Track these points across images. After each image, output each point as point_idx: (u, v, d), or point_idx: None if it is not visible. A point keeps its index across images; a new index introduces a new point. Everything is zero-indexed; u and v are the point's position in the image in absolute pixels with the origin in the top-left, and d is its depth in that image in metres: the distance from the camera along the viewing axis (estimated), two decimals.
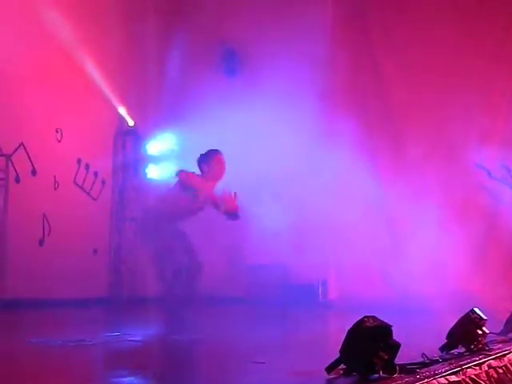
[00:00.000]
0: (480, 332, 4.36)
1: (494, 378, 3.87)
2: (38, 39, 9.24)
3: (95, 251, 10.30)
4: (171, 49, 11.42)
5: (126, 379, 3.59)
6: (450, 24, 10.53)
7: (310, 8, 11.14)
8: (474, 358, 3.97)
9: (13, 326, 7.02)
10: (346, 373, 3.41)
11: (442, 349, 4.34)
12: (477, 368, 3.78)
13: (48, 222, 9.54)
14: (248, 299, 10.88)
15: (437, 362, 3.75)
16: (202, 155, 7.06)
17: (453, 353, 4.30)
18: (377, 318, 3.44)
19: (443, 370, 3.55)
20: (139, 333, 5.87)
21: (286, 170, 10.50)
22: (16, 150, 9.14)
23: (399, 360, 3.51)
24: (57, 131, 9.71)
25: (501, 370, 4.02)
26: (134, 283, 10.59)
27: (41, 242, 9.45)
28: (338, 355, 3.42)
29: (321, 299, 10.65)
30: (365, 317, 3.42)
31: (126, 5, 10.86)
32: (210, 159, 6.97)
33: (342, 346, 3.41)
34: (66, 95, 9.75)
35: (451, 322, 4.50)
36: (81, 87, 9.97)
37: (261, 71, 11.06)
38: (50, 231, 9.54)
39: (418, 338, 5.59)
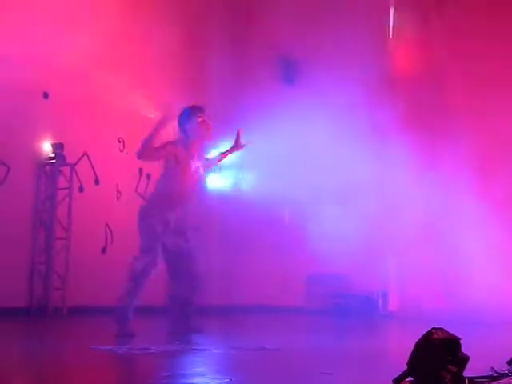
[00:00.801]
0: None
1: None
2: (102, 53, 9.40)
3: None
4: (230, 58, 11.50)
5: None
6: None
7: (371, 19, 11.11)
8: None
9: (78, 333, 7.15)
10: None
11: (509, 362, 4.27)
12: None
13: (110, 231, 9.68)
14: (308, 309, 10.88)
15: (506, 375, 3.69)
16: (180, 115, 6.54)
17: None
18: (445, 330, 3.40)
19: None
20: (206, 341, 5.91)
21: (348, 181, 10.47)
22: (80, 159, 9.31)
23: (467, 373, 3.47)
24: (119, 141, 9.86)
25: None
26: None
27: (103, 251, 9.59)
28: (404, 367, 3.40)
29: (381, 310, 10.57)
30: (432, 328, 3.39)
31: (187, 15, 10.96)
32: (190, 118, 6.47)
33: (410, 358, 3.38)
34: (129, 105, 9.87)
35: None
36: (143, 97, 10.08)
37: (319, 81, 11.06)
38: (112, 240, 9.68)
39: (483, 351, 5.51)
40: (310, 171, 10.65)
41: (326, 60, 11.22)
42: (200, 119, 6.41)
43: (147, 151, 6.44)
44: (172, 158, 6.34)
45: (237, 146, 6.66)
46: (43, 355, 4.92)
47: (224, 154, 6.75)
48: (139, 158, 6.68)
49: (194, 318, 6.48)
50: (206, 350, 5.27)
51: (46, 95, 8.87)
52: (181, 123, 6.48)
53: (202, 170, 6.59)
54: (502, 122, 9.93)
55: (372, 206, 10.30)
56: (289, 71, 11.87)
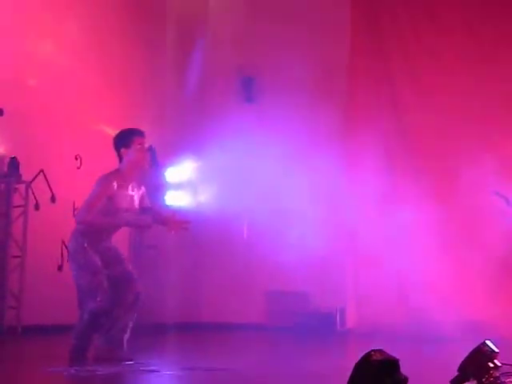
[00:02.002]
0: (492, 365, 4.31)
1: None
2: (58, 69, 9.38)
3: None
4: (189, 76, 11.54)
5: None
6: (469, 49, 10.53)
7: (328, 38, 11.20)
8: None
9: (30, 354, 7.08)
10: None
11: (453, 382, 4.30)
12: None
13: (67, 249, 9.59)
14: (266, 326, 10.88)
15: None
16: (118, 137, 6.03)
17: None
18: (384, 351, 3.43)
19: None
20: (157, 361, 5.88)
21: (305, 198, 10.53)
22: (36, 176, 9.24)
23: None
24: (76, 158, 9.80)
25: None
26: (152, 310, 10.58)
27: (59, 268, 9.51)
28: None
29: (339, 328, 10.61)
30: (371, 350, 3.41)
31: (143, 34, 10.96)
32: (129, 142, 5.91)
33: (349, 379, 3.40)
34: (86, 123, 9.85)
35: (466, 352, 4.47)
36: (100, 114, 10.08)
37: (278, 99, 11.13)
38: (68, 257, 9.58)
39: (432, 368, 5.57)
40: (270, 188, 10.69)
41: (285, 77, 11.31)
42: (139, 145, 5.95)
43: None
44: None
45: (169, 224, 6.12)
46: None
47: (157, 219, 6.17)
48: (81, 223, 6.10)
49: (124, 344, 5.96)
50: (154, 371, 5.24)
51: (1, 111, 8.78)
52: (117, 147, 6.02)
53: (137, 199, 6.10)
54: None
55: (330, 222, 10.36)
56: (249, 89, 11.90)
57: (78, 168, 9.83)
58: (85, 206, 5.97)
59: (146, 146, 6.06)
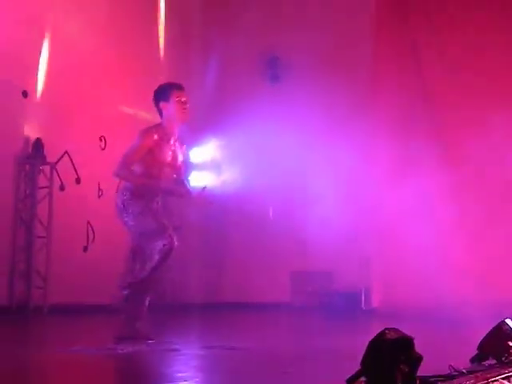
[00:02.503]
0: (511, 344, 4.29)
1: None
2: (83, 52, 9.41)
3: None
4: (215, 55, 11.52)
5: None
6: (496, 22, 10.34)
7: (352, 15, 11.11)
8: (502, 371, 3.90)
9: (55, 333, 7.16)
10: None
11: (472, 360, 4.28)
12: (504, 381, 3.71)
13: (92, 229, 9.68)
14: (291, 305, 10.90)
15: (462, 374, 3.69)
16: (156, 92, 5.98)
17: (483, 364, 4.23)
18: (398, 330, 3.40)
19: (468, 382, 3.49)
20: (179, 341, 5.92)
21: (329, 178, 10.50)
22: (60, 158, 9.30)
23: (429, 372, 3.48)
24: (101, 139, 9.85)
25: None
26: (176, 290, 10.65)
27: (85, 249, 9.59)
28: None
29: (364, 307, 10.59)
30: (386, 329, 3.39)
31: (168, 14, 10.95)
32: (168, 96, 5.88)
33: (363, 358, 3.39)
34: (111, 103, 9.88)
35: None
36: (124, 96, 10.11)
37: (303, 78, 11.09)
38: (94, 238, 9.68)
39: (452, 347, 5.54)
40: (294, 167, 10.68)
41: (310, 56, 11.25)
42: (177, 98, 5.91)
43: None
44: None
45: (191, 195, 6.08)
46: (20, 355, 4.94)
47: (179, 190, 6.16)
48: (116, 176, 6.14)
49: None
50: (175, 350, 5.27)
51: (25, 94, 8.85)
52: (156, 101, 5.97)
53: (180, 155, 6.05)
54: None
55: (354, 204, 10.33)
56: (274, 68, 11.86)
57: (103, 149, 9.89)
58: (122, 159, 5.90)
59: (185, 99, 5.93)
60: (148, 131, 5.89)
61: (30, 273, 8.84)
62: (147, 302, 5.80)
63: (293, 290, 11.22)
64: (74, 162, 9.47)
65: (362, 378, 3.40)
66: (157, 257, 5.68)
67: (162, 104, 5.90)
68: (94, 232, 9.67)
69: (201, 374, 4.41)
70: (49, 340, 6.35)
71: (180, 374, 4.21)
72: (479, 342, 4.38)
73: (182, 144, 6.13)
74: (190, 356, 5.14)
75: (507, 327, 4.36)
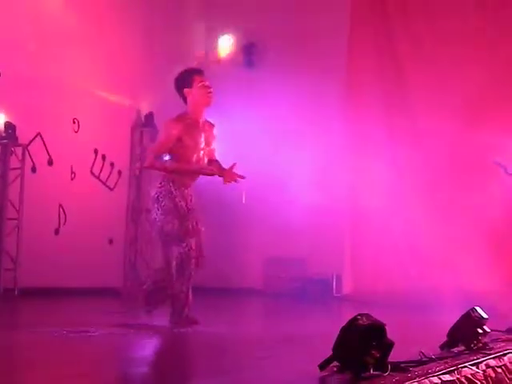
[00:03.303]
0: (480, 331, 4.34)
1: (491, 377, 3.86)
2: (56, 31, 9.33)
3: (111, 241, 10.36)
4: (190, 39, 11.47)
5: (125, 371, 3.61)
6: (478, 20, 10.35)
7: (331, 4, 11.10)
8: (471, 357, 3.95)
9: (25, 315, 7.12)
10: (339, 370, 3.42)
11: (442, 347, 4.34)
12: (473, 367, 3.76)
13: (64, 212, 9.62)
14: (263, 292, 10.93)
15: (432, 360, 3.74)
16: (178, 79, 5.99)
17: (453, 351, 4.28)
18: (370, 316, 3.44)
19: (437, 368, 3.54)
20: (148, 325, 5.92)
21: (303, 164, 10.53)
22: (33, 139, 9.22)
23: (400, 357, 3.52)
24: (74, 122, 9.77)
25: (499, 370, 4.00)
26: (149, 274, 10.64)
27: (56, 232, 9.54)
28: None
29: (335, 293, 10.65)
30: (358, 315, 3.43)
31: None
32: (191, 82, 5.90)
33: (335, 343, 3.42)
34: (84, 85, 9.81)
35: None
36: (98, 78, 10.03)
37: (280, 64, 11.09)
38: (65, 221, 9.62)
39: (422, 334, 5.59)
40: (269, 153, 10.69)
41: (286, 43, 11.24)
42: (200, 83, 5.92)
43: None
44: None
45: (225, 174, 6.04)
46: None
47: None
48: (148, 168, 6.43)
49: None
50: (147, 333, 5.27)
51: None
52: (179, 88, 5.98)
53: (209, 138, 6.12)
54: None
55: (326, 189, 10.37)
56: (250, 55, 11.83)
57: (76, 132, 9.81)
58: (152, 151, 6.01)
59: (208, 83, 5.97)
60: (173, 121, 5.91)
61: (1, 255, 8.76)
62: (189, 291, 5.85)
63: (265, 276, 11.24)
64: (46, 143, 9.38)
65: (335, 363, 3.44)
66: (174, 263, 5.80)
67: (185, 90, 5.92)
68: (65, 214, 9.61)
69: (171, 358, 4.40)
70: (20, 322, 6.31)
71: (149, 358, 4.21)
72: (449, 328, 4.43)
73: (210, 125, 6.17)
74: (161, 339, 5.13)
75: (476, 314, 4.42)
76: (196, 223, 5.96)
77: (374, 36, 11.02)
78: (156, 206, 5.87)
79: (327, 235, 10.54)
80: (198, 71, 6.06)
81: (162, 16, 11.03)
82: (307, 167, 10.49)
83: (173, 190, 5.85)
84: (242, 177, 6.04)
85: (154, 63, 10.77)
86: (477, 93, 9.99)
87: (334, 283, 10.67)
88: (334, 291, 10.65)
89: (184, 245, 5.76)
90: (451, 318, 4.59)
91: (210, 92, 5.96)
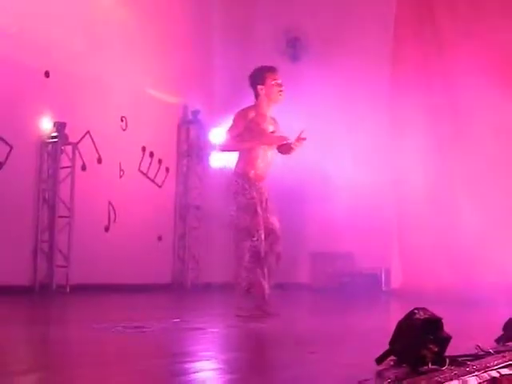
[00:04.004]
0: None
1: None
2: (103, 29, 9.43)
3: (159, 238, 10.46)
4: (236, 36, 11.49)
5: (181, 366, 3.64)
6: None
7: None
8: None
9: (78, 312, 7.22)
10: (396, 364, 3.40)
11: (497, 341, 4.29)
12: None
13: (114, 209, 9.74)
14: (311, 286, 10.93)
15: (489, 354, 3.70)
16: (252, 76, 6.32)
17: (509, 345, 4.24)
18: (427, 310, 3.42)
19: (495, 362, 3.50)
20: (200, 320, 5.97)
21: (350, 158, 10.49)
22: (82, 138, 9.34)
23: (456, 351, 3.49)
24: (122, 120, 9.88)
25: None
26: (198, 270, 10.72)
27: (106, 229, 9.65)
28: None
29: (384, 288, 10.60)
30: (415, 309, 3.41)
31: None
32: (264, 79, 6.23)
33: (392, 337, 3.41)
34: (131, 84, 9.90)
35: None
36: (145, 76, 10.12)
37: (325, 58, 11.06)
38: (115, 218, 9.73)
39: (476, 328, 5.55)
40: (315, 148, 10.65)
41: (331, 37, 11.21)
42: (274, 80, 6.25)
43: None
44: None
45: (294, 145, 6.35)
46: (45, 332, 4.99)
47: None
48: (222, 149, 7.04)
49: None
50: (200, 328, 5.31)
51: (47, 74, 8.88)
52: (253, 84, 6.31)
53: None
54: None
55: (375, 183, 10.32)
56: (295, 48, 11.83)
57: (124, 129, 9.91)
58: (225, 136, 6.38)
59: (280, 81, 6.27)
60: (244, 109, 6.28)
61: (53, 252, 8.90)
62: (265, 284, 6.09)
63: (312, 271, 11.24)
64: (95, 142, 9.50)
65: (391, 358, 3.43)
66: (247, 256, 6.05)
67: (259, 87, 6.25)
68: (115, 212, 9.72)
69: (225, 352, 4.43)
70: (74, 318, 6.39)
71: (205, 353, 4.24)
72: (504, 323, 4.38)
73: (276, 121, 6.47)
74: (215, 335, 5.16)
75: None
76: (268, 217, 6.20)
77: (419, 29, 10.92)
78: (233, 202, 6.19)
79: (375, 229, 10.51)
80: (271, 69, 6.33)
81: (209, 14, 11.08)
82: (354, 160, 10.45)
83: (247, 186, 6.15)
84: (304, 138, 6.31)
85: (201, 60, 10.84)
86: None
87: (383, 277, 10.63)
88: (383, 285, 10.60)
89: (254, 238, 6.02)
90: (504, 312, 4.55)
91: (282, 90, 6.29)
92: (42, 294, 8.61)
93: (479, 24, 10.28)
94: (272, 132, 6.29)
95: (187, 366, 3.62)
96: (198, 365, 3.68)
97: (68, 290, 8.87)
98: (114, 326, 4.94)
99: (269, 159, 6.32)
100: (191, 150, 10.91)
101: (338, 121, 10.75)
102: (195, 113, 10.86)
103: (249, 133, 6.18)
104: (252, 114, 6.21)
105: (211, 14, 11.20)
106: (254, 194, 6.13)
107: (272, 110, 6.39)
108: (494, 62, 10.03)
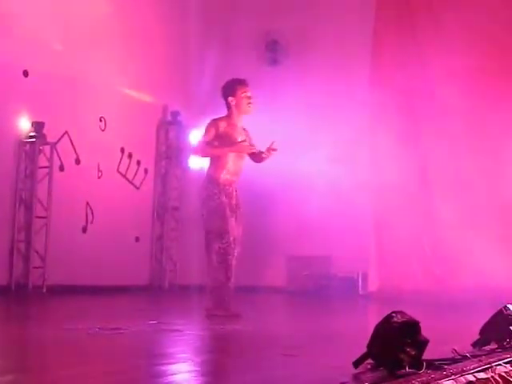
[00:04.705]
0: None
1: None
2: (82, 29, 9.40)
3: (137, 239, 10.44)
4: (214, 38, 11.49)
5: (158, 368, 3.64)
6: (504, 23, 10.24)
7: (354, 1, 11.09)
8: (505, 355, 3.93)
9: (54, 313, 7.18)
10: (374, 368, 3.41)
11: (474, 345, 4.32)
12: (507, 365, 3.75)
13: (91, 210, 9.70)
14: (288, 290, 10.94)
15: (466, 358, 3.73)
16: (224, 88, 6.61)
17: (486, 349, 4.27)
18: (405, 313, 3.43)
19: (472, 366, 3.52)
20: (177, 321, 5.96)
21: (328, 160, 10.51)
22: (60, 138, 9.29)
23: (432, 355, 3.51)
24: (100, 120, 9.84)
25: None
26: (175, 271, 10.70)
27: (84, 230, 9.61)
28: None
29: (361, 291, 10.62)
30: (392, 312, 3.42)
31: None
32: (234, 91, 6.51)
33: (369, 341, 3.42)
34: (110, 84, 9.88)
35: (488, 317, 4.48)
36: (124, 77, 10.09)
37: (303, 61, 11.09)
38: (93, 219, 9.69)
39: (453, 332, 5.58)
40: (292, 150, 10.68)
41: (310, 40, 11.23)
42: (244, 93, 6.51)
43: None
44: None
45: (265, 155, 6.59)
46: (21, 333, 4.96)
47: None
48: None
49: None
50: (177, 330, 5.30)
51: (25, 73, 8.82)
52: (224, 96, 6.59)
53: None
54: None
55: (352, 185, 10.35)
56: (274, 51, 11.84)
57: (103, 130, 9.88)
58: (197, 141, 6.85)
59: (249, 94, 6.53)
60: (214, 122, 6.52)
61: (30, 253, 8.84)
62: (231, 285, 6.48)
63: (289, 273, 11.24)
64: (73, 142, 9.46)
65: (369, 361, 3.44)
66: (214, 257, 6.37)
67: (229, 99, 6.51)
68: (92, 213, 9.68)
69: (201, 354, 4.42)
70: (50, 319, 6.35)
71: (182, 355, 4.23)
72: (481, 326, 4.41)
73: (246, 131, 6.69)
74: (192, 337, 5.15)
75: (509, 312, 4.39)
76: (236, 219, 6.50)
77: (398, 31, 10.95)
78: (202, 206, 6.51)
79: (352, 232, 10.53)
80: (242, 82, 6.58)
81: (188, 16, 11.06)
82: (332, 163, 10.46)
83: (216, 191, 6.43)
84: (275, 149, 6.53)
85: (181, 61, 10.83)
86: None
87: (360, 281, 10.65)
88: (360, 289, 10.63)
89: (224, 241, 6.32)
90: (481, 316, 4.58)
91: (251, 102, 6.54)
92: (18, 293, 8.56)
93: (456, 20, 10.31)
94: (242, 141, 6.51)
95: (164, 367, 3.61)
96: (175, 367, 3.68)
97: (44, 290, 8.83)
98: (90, 327, 4.91)
99: (239, 166, 6.60)
100: (170, 151, 10.89)
101: (317, 123, 10.76)
102: (175, 114, 10.84)
103: (219, 141, 6.44)
104: (223, 125, 6.47)
105: (191, 15, 11.17)
106: (224, 198, 6.41)
107: (242, 121, 6.63)
108: (472, 55, 10.05)
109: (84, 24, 9.40)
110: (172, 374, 3.44)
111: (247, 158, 6.65)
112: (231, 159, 6.48)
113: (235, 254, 6.46)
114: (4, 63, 8.47)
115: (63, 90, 9.18)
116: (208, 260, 6.43)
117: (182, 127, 10.89)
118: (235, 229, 6.45)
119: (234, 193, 6.56)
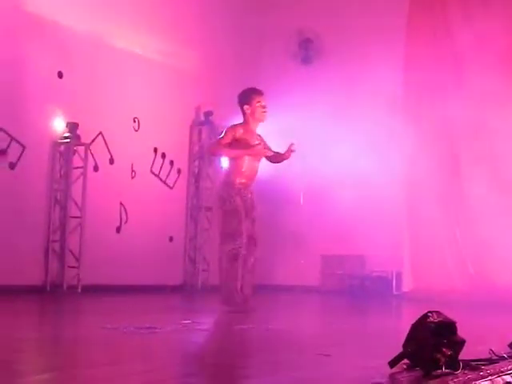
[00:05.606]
0: None
1: None
2: (115, 29, 9.45)
3: (171, 239, 10.46)
4: (248, 37, 11.50)
5: (192, 367, 3.64)
6: None
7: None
8: None
9: (89, 312, 7.23)
10: (410, 368, 3.39)
11: (511, 345, 4.27)
12: None
13: (125, 210, 9.74)
14: (322, 289, 10.92)
15: (503, 359, 3.69)
16: (240, 96, 6.98)
17: None
18: (441, 313, 3.41)
19: (509, 367, 3.48)
20: (210, 321, 5.98)
21: (362, 160, 10.47)
22: (95, 138, 9.35)
23: (469, 355, 3.48)
24: (134, 121, 9.89)
25: None
26: (208, 271, 10.71)
27: (118, 230, 9.66)
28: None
29: (395, 291, 10.56)
30: (428, 312, 3.40)
31: None
32: (250, 100, 6.89)
33: (405, 341, 3.40)
34: (144, 85, 9.92)
35: None
36: (158, 77, 10.14)
37: (336, 61, 11.07)
38: (127, 219, 9.74)
39: (490, 333, 5.52)
40: (327, 150, 10.67)
41: (343, 39, 11.20)
42: (258, 102, 6.84)
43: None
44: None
45: (285, 155, 6.97)
46: (57, 332, 5.00)
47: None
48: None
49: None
50: (208, 330, 5.31)
51: (60, 74, 8.90)
52: (240, 104, 6.95)
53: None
54: None
55: (387, 187, 10.31)
56: (307, 50, 11.83)
57: (136, 130, 9.93)
58: (214, 142, 7.34)
59: (264, 103, 6.92)
60: (233, 127, 6.89)
61: (64, 253, 8.91)
62: (238, 284, 6.72)
63: (323, 273, 11.23)
64: (107, 142, 9.51)
65: (405, 361, 3.42)
66: (225, 258, 6.69)
67: (245, 107, 6.89)
68: (126, 213, 9.73)
69: (239, 354, 4.42)
70: (86, 319, 6.40)
71: (218, 354, 4.23)
72: None
73: (261, 137, 7.04)
74: (223, 335, 5.16)
75: None
76: (252, 222, 6.86)
77: (432, 30, 10.88)
78: (218, 208, 6.93)
79: (386, 232, 10.48)
80: (257, 91, 6.96)
81: (223, 16, 11.09)
82: (367, 162, 10.42)
83: (233, 193, 6.75)
84: (293, 150, 6.89)
85: (214, 62, 10.85)
86: None
87: (394, 281, 10.59)
88: (394, 289, 10.57)
89: (237, 243, 6.63)
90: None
91: (265, 111, 6.92)
92: (53, 294, 8.63)
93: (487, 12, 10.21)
94: (257, 144, 6.83)
95: (196, 366, 3.62)
96: (206, 365, 3.68)
97: (79, 290, 8.88)
98: (126, 327, 4.93)
99: (254, 170, 6.93)
100: (203, 151, 10.91)
101: (348, 124, 10.72)
102: (207, 114, 10.84)
103: (236, 145, 6.79)
104: (241, 131, 6.83)
105: (224, 15, 11.20)
106: (239, 201, 6.72)
107: (257, 127, 7.00)
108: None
109: (119, 26, 9.44)
110: (204, 375, 3.45)
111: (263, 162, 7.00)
112: (246, 164, 6.81)
113: (254, 254, 6.78)
114: (39, 65, 8.54)
115: (97, 91, 9.25)
116: (219, 259, 6.78)
117: (215, 127, 10.88)
118: (250, 230, 6.74)
119: (249, 195, 6.87)
